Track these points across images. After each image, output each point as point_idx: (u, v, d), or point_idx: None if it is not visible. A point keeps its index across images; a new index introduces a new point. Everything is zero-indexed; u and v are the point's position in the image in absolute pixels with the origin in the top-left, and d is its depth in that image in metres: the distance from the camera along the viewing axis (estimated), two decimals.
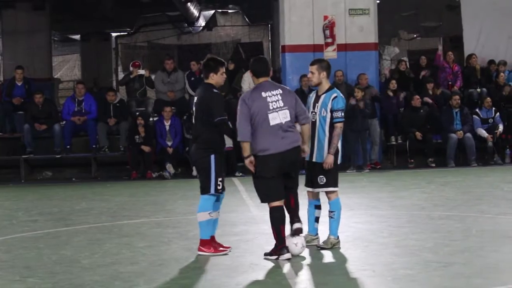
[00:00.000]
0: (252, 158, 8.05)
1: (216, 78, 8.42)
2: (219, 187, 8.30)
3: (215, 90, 8.36)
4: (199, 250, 8.33)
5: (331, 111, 8.39)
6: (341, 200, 10.03)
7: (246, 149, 8.04)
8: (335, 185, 8.51)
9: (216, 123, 8.21)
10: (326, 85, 8.53)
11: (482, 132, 18.49)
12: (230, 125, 8.39)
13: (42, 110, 18.32)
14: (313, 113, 8.44)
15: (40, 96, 18.41)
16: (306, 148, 8.30)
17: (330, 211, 8.51)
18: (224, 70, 8.50)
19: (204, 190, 8.32)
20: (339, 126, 8.41)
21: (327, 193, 8.51)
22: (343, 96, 8.55)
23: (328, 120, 8.41)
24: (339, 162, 8.53)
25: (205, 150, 8.27)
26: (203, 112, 8.30)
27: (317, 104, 8.45)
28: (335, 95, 8.45)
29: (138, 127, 17.75)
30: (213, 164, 8.26)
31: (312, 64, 8.60)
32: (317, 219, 8.69)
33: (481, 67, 20.22)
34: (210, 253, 8.25)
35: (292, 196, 8.19)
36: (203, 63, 8.79)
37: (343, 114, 8.44)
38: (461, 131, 18.22)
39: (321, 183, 8.42)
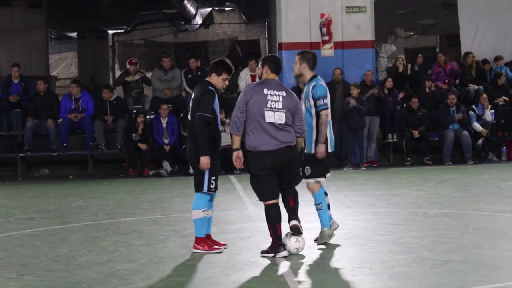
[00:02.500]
0: (240, 153, 8.06)
1: (216, 80, 8.38)
2: (212, 186, 8.27)
3: (210, 87, 8.33)
4: (194, 247, 8.34)
5: (314, 101, 8.40)
6: (338, 198, 10.04)
7: (236, 142, 8.05)
8: (321, 175, 8.52)
9: (196, 116, 8.17)
10: (308, 76, 8.55)
11: (477, 126, 18.57)
12: (205, 125, 8.15)
13: (44, 100, 18.37)
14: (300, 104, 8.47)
15: (41, 83, 18.54)
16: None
17: (316, 204, 8.52)
18: (227, 77, 8.41)
19: (197, 188, 8.31)
20: (324, 114, 8.36)
21: (309, 185, 8.50)
22: (323, 84, 8.51)
23: (312, 110, 8.41)
24: (330, 150, 8.53)
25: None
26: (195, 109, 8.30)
27: (302, 96, 8.50)
28: (314, 83, 8.45)
29: (139, 124, 17.73)
30: None
31: (297, 54, 8.68)
32: (328, 206, 8.67)
33: (476, 64, 20.26)
34: (204, 251, 8.26)
35: (291, 198, 8.18)
36: (214, 60, 8.69)
37: (326, 101, 8.39)
38: (459, 114, 18.22)
39: (307, 174, 8.43)
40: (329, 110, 8.45)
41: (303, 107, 8.41)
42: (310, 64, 8.57)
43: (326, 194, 8.67)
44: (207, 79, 8.45)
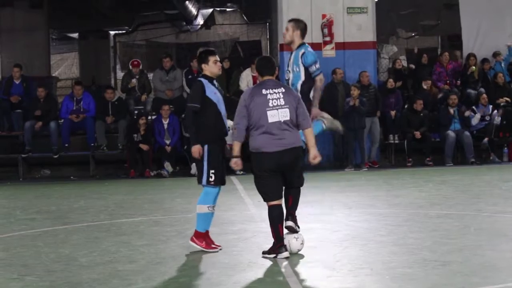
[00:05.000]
0: (239, 160, 8.04)
1: (209, 68, 8.42)
2: (211, 179, 8.24)
3: (198, 79, 8.40)
4: (191, 240, 8.36)
5: (306, 68, 8.52)
6: (340, 199, 9.90)
7: (236, 149, 8.03)
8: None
9: (187, 107, 8.30)
10: (297, 43, 8.68)
11: (476, 117, 18.62)
12: (192, 115, 8.24)
13: (43, 105, 18.38)
14: (287, 71, 8.63)
15: (42, 90, 18.53)
16: (314, 151, 7.98)
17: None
18: (217, 59, 8.46)
19: (198, 180, 8.32)
20: (318, 79, 8.54)
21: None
22: (311, 50, 8.66)
23: (302, 75, 8.52)
24: None
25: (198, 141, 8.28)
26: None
27: (289, 62, 8.61)
28: (302, 51, 8.61)
29: (140, 126, 17.73)
30: (205, 155, 8.25)
31: (288, 21, 8.81)
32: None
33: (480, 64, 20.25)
34: (201, 246, 8.26)
35: (290, 196, 8.20)
36: (197, 56, 8.86)
37: (318, 65, 8.58)
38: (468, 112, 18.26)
39: None
40: (322, 75, 8.61)
41: (291, 74, 8.52)
42: (302, 32, 8.73)
43: None
44: (203, 73, 8.47)
